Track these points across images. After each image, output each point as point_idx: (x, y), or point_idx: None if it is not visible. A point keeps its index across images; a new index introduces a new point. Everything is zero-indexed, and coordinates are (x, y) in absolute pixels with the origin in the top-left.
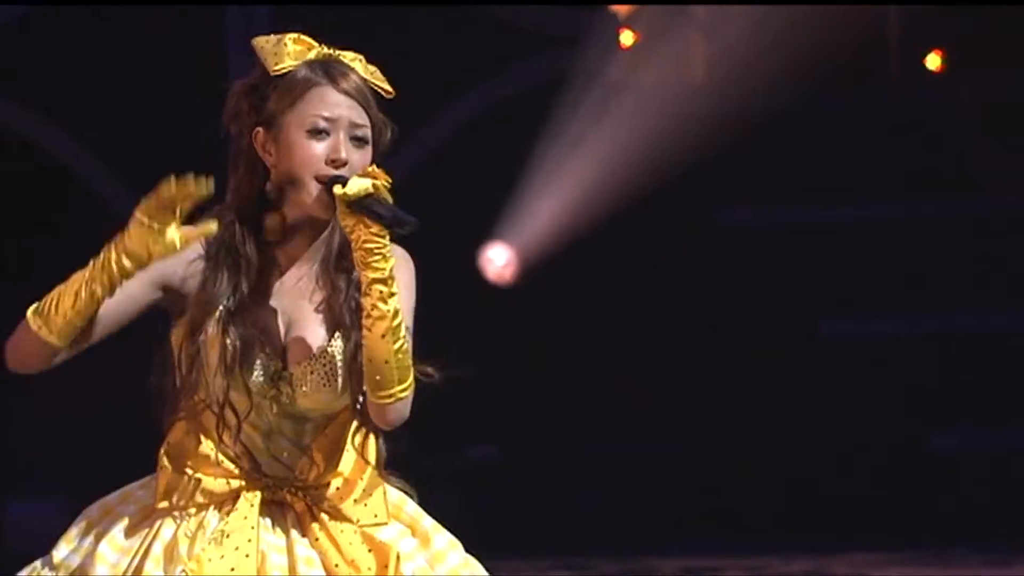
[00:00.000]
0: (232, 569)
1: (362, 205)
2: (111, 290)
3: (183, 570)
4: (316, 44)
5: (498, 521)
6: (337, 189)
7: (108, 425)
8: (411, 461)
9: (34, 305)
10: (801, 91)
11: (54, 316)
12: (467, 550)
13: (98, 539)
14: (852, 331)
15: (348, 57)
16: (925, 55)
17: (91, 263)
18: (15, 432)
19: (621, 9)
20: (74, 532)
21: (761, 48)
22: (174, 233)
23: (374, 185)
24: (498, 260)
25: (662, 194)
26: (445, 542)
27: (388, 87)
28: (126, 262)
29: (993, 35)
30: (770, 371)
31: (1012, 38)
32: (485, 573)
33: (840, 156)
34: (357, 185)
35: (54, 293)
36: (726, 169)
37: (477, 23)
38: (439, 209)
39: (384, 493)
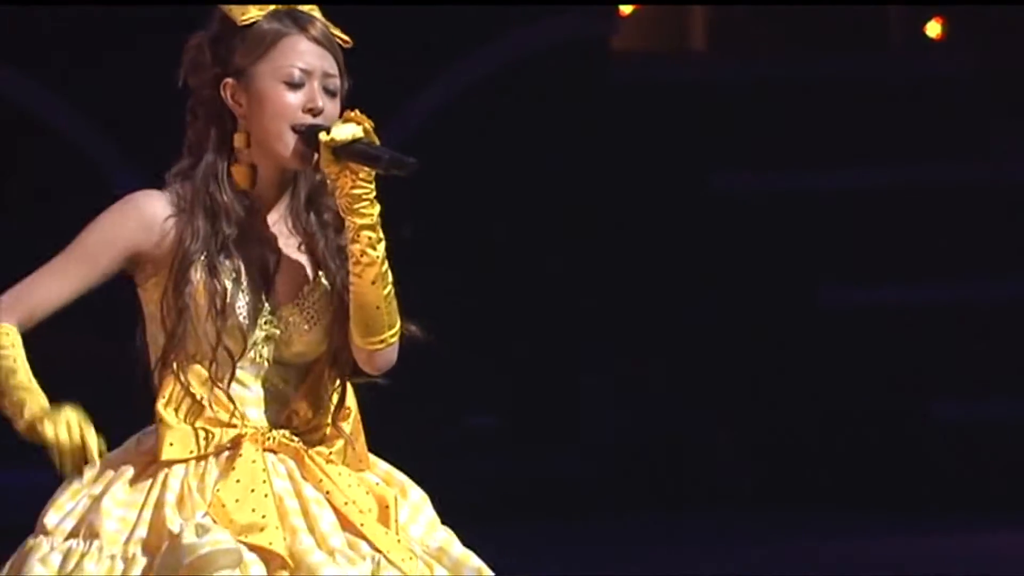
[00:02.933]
0: (253, 510)
1: (352, 151)
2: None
3: (204, 514)
4: None
5: (496, 490)
6: (323, 136)
7: (100, 396)
8: (411, 429)
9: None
10: (801, 59)
11: None
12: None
13: (92, 499)
14: (852, 299)
15: (305, 8)
16: (926, 23)
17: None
18: None
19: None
20: (61, 499)
21: (761, 15)
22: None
23: (364, 129)
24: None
25: (662, 161)
26: (419, 496)
27: (346, 37)
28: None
29: (994, 3)
30: (770, 339)
31: (1013, 6)
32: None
33: (841, 123)
34: (345, 131)
35: None
36: (726, 136)
37: None
38: (440, 175)
39: (364, 443)
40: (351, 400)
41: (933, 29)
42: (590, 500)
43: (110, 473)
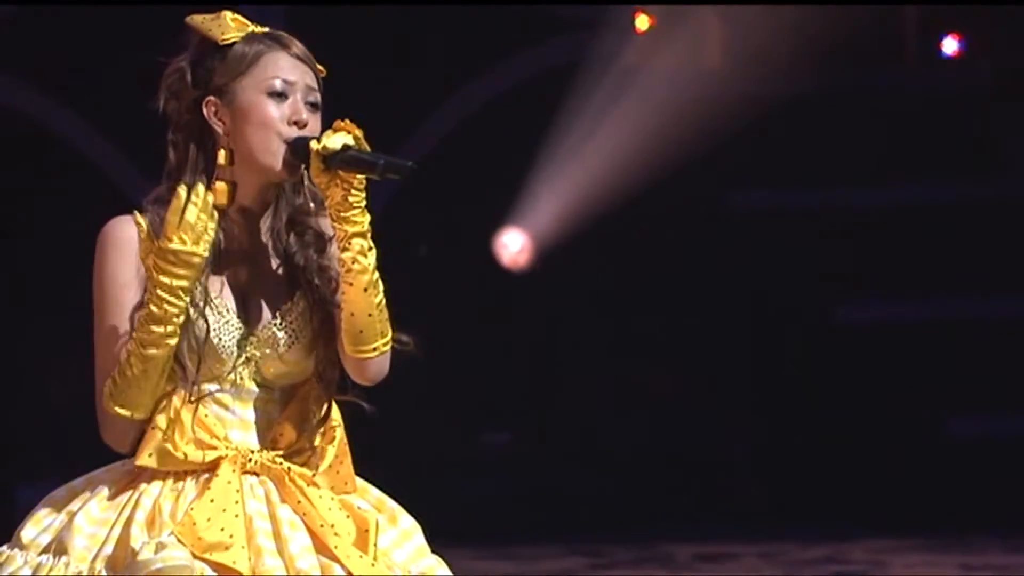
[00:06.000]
0: (222, 529)
1: (345, 158)
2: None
3: (171, 533)
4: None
5: (512, 507)
6: (314, 144)
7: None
8: (427, 447)
9: (107, 391)
10: (817, 75)
11: (133, 396)
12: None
13: (70, 516)
14: (869, 316)
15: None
16: (942, 40)
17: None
18: (26, 418)
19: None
20: (40, 514)
21: (777, 31)
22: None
23: (354, 137)
24: (513, 246)
25: (677, 177)
26: (410, 523)
27: (320, 67)
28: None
29: (1010, 20)
30: (786, 356)
31: None
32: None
33: (858, 140)
34: (336, 140)
35: (118, 375)
36: (742, 152)
37: (492, 6)
38: (454, 194)
39: (351, 464)
40: (337, 421)
41: (949, 46)
42: (604, 517)
43: (89, 491)
